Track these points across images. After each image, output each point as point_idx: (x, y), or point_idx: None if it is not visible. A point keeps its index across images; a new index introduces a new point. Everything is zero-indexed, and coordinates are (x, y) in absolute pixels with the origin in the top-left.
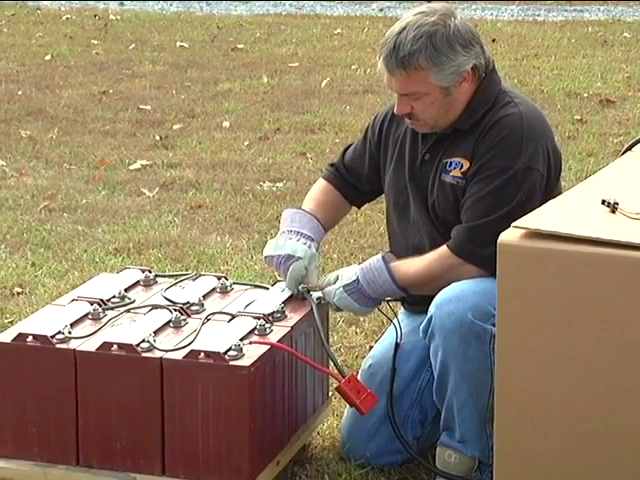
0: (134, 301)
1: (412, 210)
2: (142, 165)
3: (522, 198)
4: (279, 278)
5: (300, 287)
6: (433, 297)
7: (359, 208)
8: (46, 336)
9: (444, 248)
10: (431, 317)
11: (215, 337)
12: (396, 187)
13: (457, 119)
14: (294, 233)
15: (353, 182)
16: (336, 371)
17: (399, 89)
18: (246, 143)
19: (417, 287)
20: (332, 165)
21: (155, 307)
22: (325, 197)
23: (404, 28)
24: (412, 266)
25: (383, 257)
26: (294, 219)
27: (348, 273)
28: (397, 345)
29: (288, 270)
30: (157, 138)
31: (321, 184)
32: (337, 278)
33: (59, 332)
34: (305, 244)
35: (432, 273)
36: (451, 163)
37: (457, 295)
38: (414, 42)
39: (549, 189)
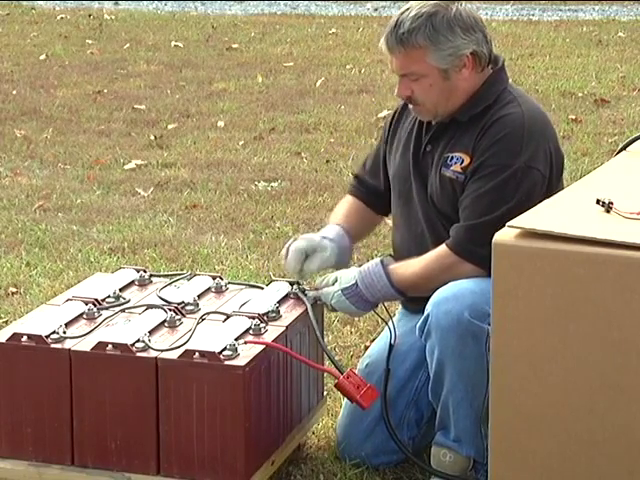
0: (129, 301)
1: (415, 200)
2: (137, 165)
3: (522, 197)
4: (274, 278)
5: (295, 287)
6: (431, 295)
7: (387, 215)
8: (41, 336)
9: (443, 247)
10: (428, 315)
11: (210, 337)
12: (402, 176)
13: (457, 109)
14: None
15: (374, 187)
16: (334, 368)
17: (398, 69)
18: (241, 143)
19: (415, 288)
20: (355, 177)
21: (150, 307)
22: (348, 208)
23: (407, 9)
24: (410, 267)
25: (382, 261)
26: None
27: (347, 276)
28: (391, 347)
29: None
30: (152, 138)
31: (345, 199)
32: (336, 280)
33: (54, 332)
34: (324, 238)
35: (430, 272)
36: (452, 157)
37: (454, 294)
38: (414, 20)
39: (550, 190)
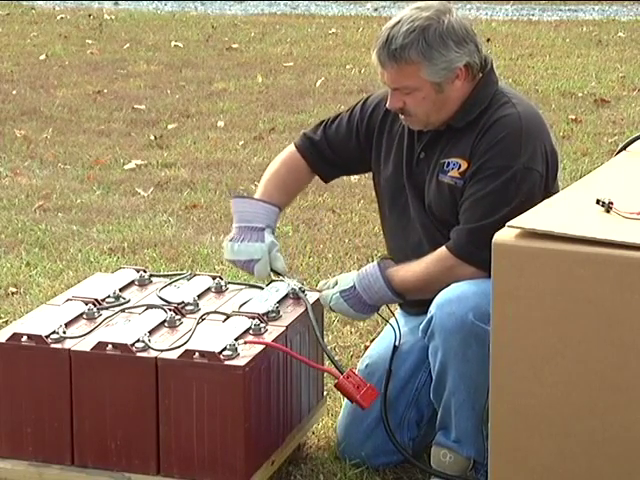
0: (129, 301)
1: (411, 209)
2: (137, 165)
3: (522, 199)
4: (274, 278)
5: (295, 287)
6: (430, 299)
7: (326, 182)
8: (41, 336)
9: (443, 249)
10: (431, 317)
11: (210, 337)
12: (395, 186)
13: (451, 117)
14: (245, 230)
15: (330, 157)
16: (334, 368)
17: (391, 83)
18: (241, 143)
19: (416, 291)
20: (308, 138)
21: (150, 307)
22: (288, 173)
23: (398, 22)
24: (410, 270)
25: (379, 263)
26: (243, 211)
27: (346, 279)
28: (395, 348)
29: (254, 273)
30: (152, 138)
31: (291, 156)
32: (336, 283)
33: (54, 332)
34: (257, 241)
35: (432, 275)
36: (449, 163)
37: (458, 296)
38: (406, 35)
39: (546, 189)
